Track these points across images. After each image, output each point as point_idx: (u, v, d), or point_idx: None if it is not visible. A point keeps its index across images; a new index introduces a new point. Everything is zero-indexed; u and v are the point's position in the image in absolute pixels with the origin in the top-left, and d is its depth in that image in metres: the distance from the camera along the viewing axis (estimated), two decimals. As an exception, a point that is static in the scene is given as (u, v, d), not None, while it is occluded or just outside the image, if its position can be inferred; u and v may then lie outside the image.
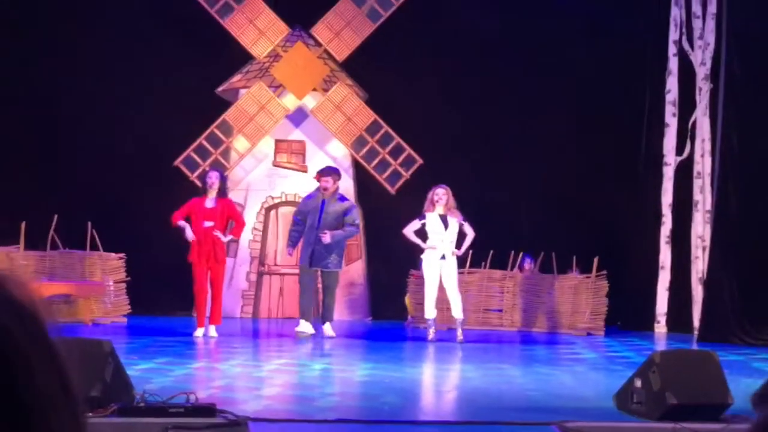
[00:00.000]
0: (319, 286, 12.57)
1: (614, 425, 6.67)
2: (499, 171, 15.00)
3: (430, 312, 12.10)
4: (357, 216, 12.44)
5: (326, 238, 11.92)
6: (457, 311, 12.06)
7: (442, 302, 12.16)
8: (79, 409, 1.16)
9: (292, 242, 12.31)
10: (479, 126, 15.16)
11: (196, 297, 11.94)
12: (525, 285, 13.93)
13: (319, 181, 12.25)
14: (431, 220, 11.92)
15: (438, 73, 15.11)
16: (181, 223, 11.74)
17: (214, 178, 11.99)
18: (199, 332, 11.82)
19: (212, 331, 11.85)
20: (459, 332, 11.99)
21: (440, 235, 11.90)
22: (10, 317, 1.09)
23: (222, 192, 12.02)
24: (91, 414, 6.35)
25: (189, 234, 11.68)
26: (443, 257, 11.96)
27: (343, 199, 12.35)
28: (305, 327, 12.02)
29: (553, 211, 14.57)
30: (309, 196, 12.41)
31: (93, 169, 14.22)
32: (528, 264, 14.29)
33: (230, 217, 11.95)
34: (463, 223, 12.01)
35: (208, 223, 11.75)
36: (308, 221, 12.09)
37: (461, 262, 13.83)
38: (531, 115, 15.05)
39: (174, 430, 6.29)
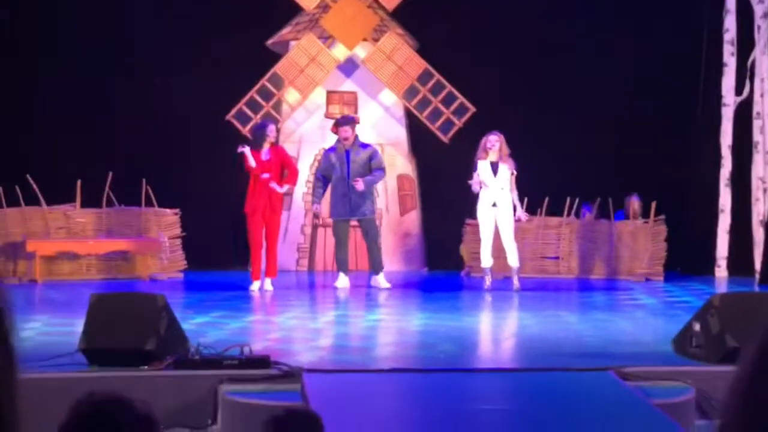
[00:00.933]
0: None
1: (673, 369, 6.57)
2: (553, 117, 14.76)
3: (486, 261, 12.00)
4: (382, 159, 12.40)
5: (359, 185, 11.87)
6: (512, 259, 11.95)
7: (500, 251, 12.07)
8: (14, 353, 1.50)
9: (317, 198, 12.30)
10: (533, 72, 14.91)
11: (251, 250, 11.94)
12: (582, 232, 13.76)
13: (336, 132, 12.19)
14: (482, 167, 11.79)
15: (490, 21, 14.88)
16: (245, 150, 11.63)
17: (276, 131, 11.99)
18: (254, 286, 11.81)
19: (268, 284, 11.85)
20: (515, 280, 11.89)
21: (491, 182, 11.76)
22: None
23: (275, 141, 12.03)
24: (146, 367, 6.38)
25: (251, 161, 11.60)
26: (494, 205, 11.83)
27: (365, 146, 12.28)
28: (344, 281, 12.03)
29: (610, 157, 14.32)
30: (330, 150, 12.36)
31: (147, 126, 14.23)
32: (586, 213, 14.09)
33: (283, 164, 11.91)
34: (514, 173, 11.79)
35: (265, 175, 11.73)
36: (335, 174, 12.06)
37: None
38: (585, 60, 14.77)
39: (229, 381, 6.30)
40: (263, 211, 11.71)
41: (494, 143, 11.82)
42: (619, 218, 13.99)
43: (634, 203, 13.99)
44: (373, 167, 12.07)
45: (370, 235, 12.19)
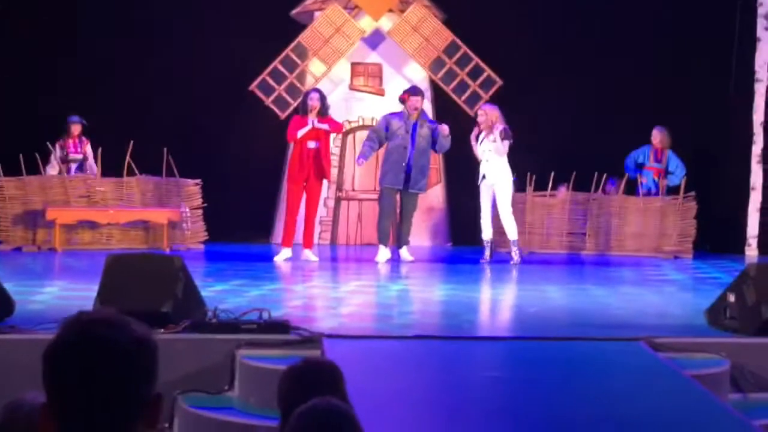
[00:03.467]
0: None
1: (706, 341, 6.35)
2: (581, 91, 14.48)
3: (484, 233, 11.83)
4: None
5: (445, 129, 11.65)
6: (509, 232, 11.75)
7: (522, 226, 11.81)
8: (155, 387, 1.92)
9: (364, 155, 11.95)
10: (560, 45, 14.64)
11: (287, 217, 11.75)
12: (610, 208, 13.49)
13: (407, 100, 11.84)
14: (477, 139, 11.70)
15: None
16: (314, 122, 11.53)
17: (315, 99, 11.64)
18: (283, 254, 11.62)
19: (309, 255, 11.67)
20: (513, 253, 11.69)
21: (479, 153, 11.62)
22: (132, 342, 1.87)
23: (323, 112, 11.73)
24: (162, 330, 6.21)
25: (301, 130, 11.49)
26: (484, 177, 11.66)
27: (431, 122, 12.03)
28: (384, 253, 11.80)
29: (639, 133, 13.99)
30: (394, 115, 11.93)
31: (168, 95, 14.05)
32: (612, 187, 13.84)
33: (332, 129, 11.75)
34: (497, 140, 11.54)
35: (312, 144, 11.54)
36: (395, 141, 11.71)
37: (542, 185, 13.47)
38: (613, 34, 14.48)
39: (246, 346, 6.13)
40: (307, 178, 11.54)
41: (480, 115, 11.71)
42: (630, 163, 13.69)
43: (655, 135, 13.63)
44: (440, 136, 11.70)
45: (410, 211, 11.93)
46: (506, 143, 11.55)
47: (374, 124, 13.12)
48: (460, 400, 5.17)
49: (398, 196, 12.04)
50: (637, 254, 13.17)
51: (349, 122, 14.42)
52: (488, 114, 11.67)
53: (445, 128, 11.70)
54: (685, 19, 14.35)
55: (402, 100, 11.91)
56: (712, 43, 14.33)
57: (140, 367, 1.84)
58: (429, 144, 11.80)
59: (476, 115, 11.88)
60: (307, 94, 11.98)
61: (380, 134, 11.89)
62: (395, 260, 11.77)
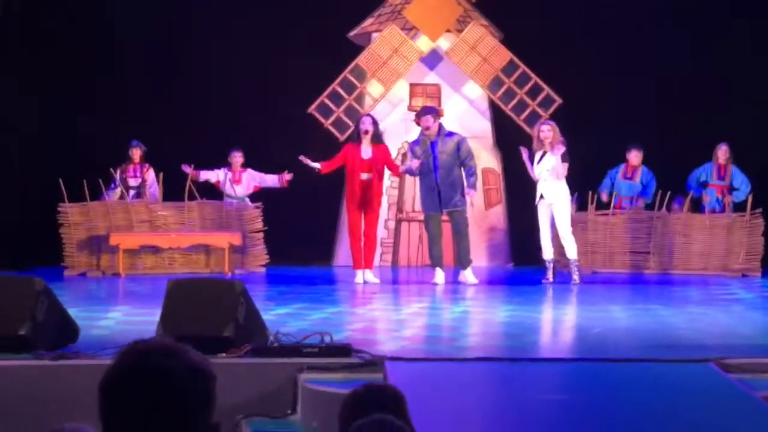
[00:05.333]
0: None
1: (779, 362, 6.16)
2: (641, 109, 14.35)
3: (545, 252, 11.70)
4: (471, 148, 11.74)
5: (471, 193, 11.66)
6: (569, 252, 11.61)
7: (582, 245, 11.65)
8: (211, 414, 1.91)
9: (411, 168, 11.59)
10: (620, 63, 14.51)
11: (351, 242, 11.75)
12: (674, 226, 13.28)
13: (419, 124, 11.73)
14: (536, 157, 11.54)
15: (576, 10, 14.51)
16: (307, 162, 11.49)
17: (367, 124, 11.51)
18: (358, 277, 11.63)
19: (370, 276, 11.65)
20: (573, 274, 11.58)
21: (536, 172, 11.49)
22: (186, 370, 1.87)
23: (377, 138, 11.64)
24: (224, 354, 6.20)
25: (311, 164, 11.45)
26: (542, 196, 11.52)
27: (450, 134, 11.70)
28: (441, 276, 11.67)
29: (706, 149, 13.74)
30: (414, 143, 11.76)
31: (227, 118, 14.16)
32: (677, 206, 13.61)
33: (386, 165, 11.64)
34: (561, 161, 11.40)
35: (365, 176, 11.46)
36: (422, 167, 11.46)
37: (604, 203, 13.30)
38: (674, 52, 14.32)
39: (308, 370, 6.09)
40: (362, 206, 11.53)
41: (548, 130, 11.50)
42: (693, 182, 13.50)
43: (720, 152, 13.43)
44: (462, 159, 11.50)
45: (460, 228, 11.64)
46: (566, 166, 11.42)
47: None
48: (523, 423, 5.08)
49: (443, 218, 11.85)
50: (703, 273, 12.94)
51: (408, 143, 14.36)
52: (555, 130, 11.53)
53: (471, 193, 11.70)
54: (747, 35, 14.15)
55: (417, 124, 11.78)
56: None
57: (197, 397, 1.80)
58: (455, 158, 11.50)
59: (539, 132, 11.66)
60: (359, 119, 11.94)
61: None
62: (457, 282, 11.65)
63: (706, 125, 13.97)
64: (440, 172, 11.48)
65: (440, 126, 11.69)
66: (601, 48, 14.47)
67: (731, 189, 13.52)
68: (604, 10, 14.47)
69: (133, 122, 13.73)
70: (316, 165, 11.52)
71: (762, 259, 12.95)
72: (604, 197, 13.44)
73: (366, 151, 11.51)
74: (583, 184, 12.70)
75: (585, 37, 14.54)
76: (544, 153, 11.52)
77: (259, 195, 13.68)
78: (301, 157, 11.57)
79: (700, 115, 14.12)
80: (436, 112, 11.93)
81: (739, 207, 13.32)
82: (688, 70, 14.27)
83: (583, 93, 14.25)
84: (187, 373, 1.78)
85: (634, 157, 13.59)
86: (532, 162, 11.57)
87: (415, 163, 11.43)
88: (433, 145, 11.49)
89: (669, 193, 13.30)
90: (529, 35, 14.50)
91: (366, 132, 11.48)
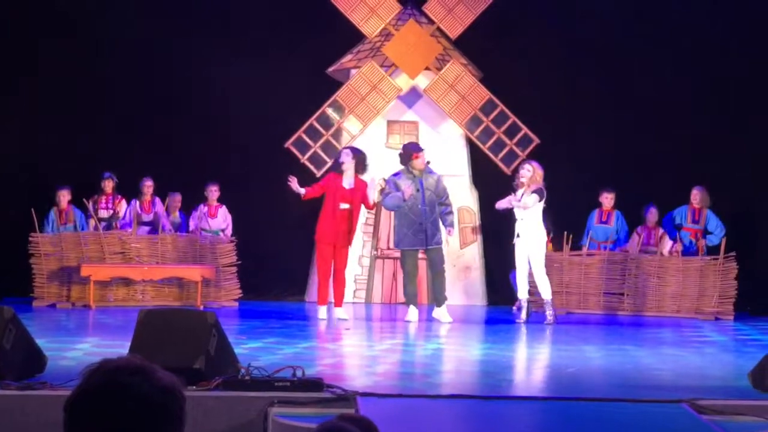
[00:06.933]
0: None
1: (751, 403, 6.15)
2: (620, 149, 14.41)
3: (520, 292, 11.74)
4: (446, 188, 11.88)
5: (451, 233, 11.75)
6: (542, 292, 11.63)
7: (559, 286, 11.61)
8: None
9: (397, 203, 11.57)
10: (598, 103, 14.59)
11: (319, 277, 11.55)
12: (648, 268, 13.29)
13: (416, 158, 11.63)
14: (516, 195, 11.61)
15: (554, 50, 14.59)
16: (294, 185, 11.41)
17: (344, 156, 11.52)
18: (322, 313, 11.53)
19: (341, 313, 11.54)
20: (547, 314, 11.56)
21: (515, 211, 11.52)
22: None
23: (361, 171, 11.57)
24: (194, 387, 6.11)
25: (296, 188, 11.38)
26: (518, 235, 11.55)
27: (431, 171, 11.78)
28: (414, 314, 11.61)
29: (681, 191, 13.78)
30: (397, 175, 11.71)
31: (203, 152, 14.11)
32: (672, 244, 13.57)
33: (362, 199, 11.57)
34: (536, 202, 11.44)
35: (344, 206, 11.41)
36: (407, 202, 11.44)
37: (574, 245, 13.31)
38: (651, 92, 14.42)
39: (279, 404, 6.02)
40: (335, 240, 11.39)
41: (527, 170, 11.62)
42: (668, 224, 13.53)
43: (696, 195, 13.47)
44: (440, 196, 11.60)
45: (437, 265, 11.66)
46: (534, 197, 11.44)
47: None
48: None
49: (420, 255, 11.84)
50: (676, 315, 12.96)
51: (385, 180, 14.34)
52: (535, 171, 11.56)
53: (451, 233, 11.74)
54: (726, 79, 14.25)
55: (410, 159, 11.68)
56: (754, 103, 14.21)
57: (166, 417, 1.73)
58: (436, 195, 11.62)
59: (515, 171, 11.72)
60: (341, 151, 11.94)
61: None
62: (431, 319, 11.60)
63: (684, 165, 14.04)
64: (426, 209, 11.51)
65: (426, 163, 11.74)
66: (578, 87, 14.54)
67: (705, 233, 13.56)
68: (583, 53, 14.56)
69: (110, 155, 13.68)
70: (301, 190, 11.45)
71: (734, 303, 12.97)
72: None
73: (348, 181, 11.49)
74: (560, 223, 12.72)
75: (564, 78, 14.61)
76: (522, 193, 11.57)
77: (234, 229, 13.62)
78: (290, 179, 11.49)
79: (678, 156, 14.19)
80: (422, 149, 11.93)
81: (712, 250, 13.35)
82: (667, 109, 14.34)
83: (560, 134, 14.30)
84: (155, 392, 1.72)
85: (606, 199, 13.64)
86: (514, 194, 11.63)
87: (408, 191, 11.39)
88: (421, 181, 11.54)
89: (661, 231, 13.39)
90: (507, 75, 14.54)
91: (342, 163, 11.48)
